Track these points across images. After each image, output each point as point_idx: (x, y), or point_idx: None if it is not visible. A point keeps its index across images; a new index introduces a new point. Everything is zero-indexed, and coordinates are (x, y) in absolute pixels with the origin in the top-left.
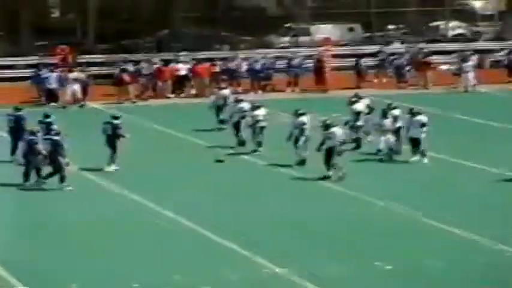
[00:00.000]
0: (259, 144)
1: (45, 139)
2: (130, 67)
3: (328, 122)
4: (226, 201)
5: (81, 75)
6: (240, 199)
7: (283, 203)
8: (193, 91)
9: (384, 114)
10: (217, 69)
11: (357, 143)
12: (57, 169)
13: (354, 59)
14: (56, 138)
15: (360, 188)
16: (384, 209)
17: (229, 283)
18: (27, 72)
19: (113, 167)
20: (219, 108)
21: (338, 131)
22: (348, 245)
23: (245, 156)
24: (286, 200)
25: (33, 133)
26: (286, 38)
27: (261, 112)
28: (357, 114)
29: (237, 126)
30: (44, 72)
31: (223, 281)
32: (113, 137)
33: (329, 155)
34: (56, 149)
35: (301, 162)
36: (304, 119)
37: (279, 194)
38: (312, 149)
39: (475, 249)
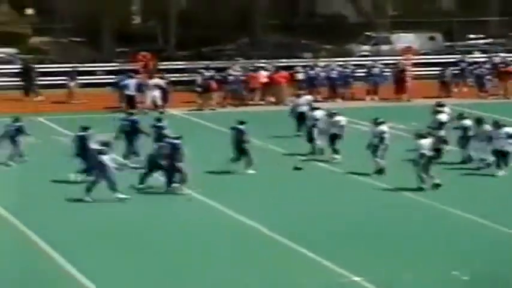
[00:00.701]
0: (336, 151)
1: (166, 143)
2: (216, 74)
3: (420, 132)
4: (304, 210)
5: (161, 81)
6: (318, 207)
7: (361, 212)
8: (272, 99)
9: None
10: (300, 76)
11: (438, 153)
12: (177, 172)
13: (436, 68)
14: (176, 141)
15: (444, 200)
16: (460, 218)
17: None
18: (108, 79)
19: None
20: (299, 116)
21: (425, 142)
22: (425, 255)
23: (322, 164)
24: (365, 209)
25: (178, 137)
26: (367, 47)
27: (339, 119)
28: (441, 124)
29: (309, 134)
30: (124, 79)
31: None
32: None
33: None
34: (175, 152)
35: (380, 171)
36: (383, 127)
37: (357, 203)
38: (390, 158)
39: None
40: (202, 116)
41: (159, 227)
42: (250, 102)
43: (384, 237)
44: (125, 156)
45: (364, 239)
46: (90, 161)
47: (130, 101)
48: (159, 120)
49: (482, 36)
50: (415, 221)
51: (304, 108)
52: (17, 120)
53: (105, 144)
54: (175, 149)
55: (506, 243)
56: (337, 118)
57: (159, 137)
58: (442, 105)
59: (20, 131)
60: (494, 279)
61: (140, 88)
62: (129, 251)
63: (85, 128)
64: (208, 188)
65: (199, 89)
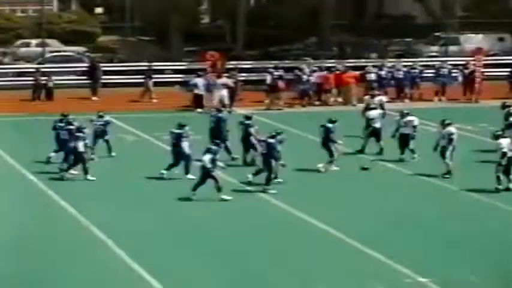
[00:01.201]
0: (413, 151)
1: (260, 141)
2: (285, 74)
3: (497, 133)
4: (370, 210)
5: (229, 81)
6: (383, 208)
7: (429, 214)
8: (339, 99)
9: None
10: (372, 76)
11: None
12: (270, 171)
13: (505, 70)
14: (271, 140)
15: (504, 199)
16: None
17: None
18: (176, 78)
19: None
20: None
21: (505, 141)
22: (491, 257)
23: (390, 165)
24: (432, 211)
25: (273, 136)
26: (435, 47)
27: (411, 119)
28: (510, 126)
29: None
30: (192, 78)
31: None
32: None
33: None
34: (270, 151)
35: (448, 172)
36: (451, 129)
37: (425, 205)
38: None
39: None
40: (269, 115)
41: (234, 227)
42: (317, 103)
43: (451, 239)
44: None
45: (432, 241)
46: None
47: (199, 100)
48: (247, 118)
49: None
50: (483, 223)
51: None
52: (101, 116)
53: (216, 144)
54: (271, 148)
55: None
56: (410, 118)
57: (246, 135)
58: (509, 106)
59: (106, 126)
60: None
61: (208, 87)
62: (201, 251)
63: (182, 126)
64: (283, 189)
65: (267, 88)
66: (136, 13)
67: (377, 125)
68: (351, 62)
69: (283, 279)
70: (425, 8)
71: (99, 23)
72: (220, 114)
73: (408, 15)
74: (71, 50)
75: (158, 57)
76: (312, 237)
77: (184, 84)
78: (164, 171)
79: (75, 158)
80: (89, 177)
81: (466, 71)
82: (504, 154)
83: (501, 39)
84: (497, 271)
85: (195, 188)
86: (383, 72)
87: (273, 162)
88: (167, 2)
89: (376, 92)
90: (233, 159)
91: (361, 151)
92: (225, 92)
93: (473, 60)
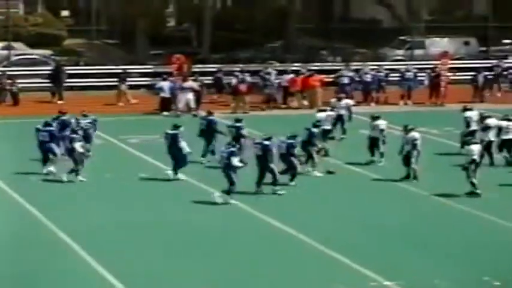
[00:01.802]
0: (382, 155)
1: (256, 143)
2: (247, 77)
3: (467, 139)
4: (336, 214)
5: (194, 84)
6: (349, 212)
7: (395, 217)
8: (305, 102)
9: None
10: (345, 80)
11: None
12: (266, 173)
13: (470, 73)
14: (266, 143)
15: (470, 203)
16: (495, 224)
17: None
18: (142, 81)
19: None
20: (337, 118)
21: (476, 147)
22: (457, 259)
23: (357, 169)
24: (398, 213)
25: (269, 138)
26: (401, 51)
27: (382, 122)
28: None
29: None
30: (158, 81)
31: None
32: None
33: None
34: (265, 153)
35: (415, 177)
36: (415, 134)
37: (390, 208)
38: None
39: None
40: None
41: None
42: (283, 106)
43: (417, 243)
44: (203, 155)
45: (398, 244)
46: (179, 158)
47: (165, 104)
48: (238, 120)
49: None
50: (450, 227)
51: (343, 112)
52: (86, 116)
53: (234, 145)
54: (266, 150)
55: None
56: (377, 122)
57: (237, 137)
58: (470, 109)
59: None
60: None
61: (174, 90)
62: (169, 254)
63: (177, 127)
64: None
65: (228, 92)
66: (102, 16)
67: (326, 126)
68: (317, 66)
69: (249, 283)
70: (392, 12)
71: (65, 26)
72: (210, 117)
73: (374, 19)
74: (37, 53)
75: (124, 61)
76: (277, 241)
77: (150, 87)
78: (170, 172)
79: (75, 159)
80: (80, 178)
81: (432, 75)
82: (474, 161)
83: (467, 43)
84: (463, 275)
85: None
86: (351, 75)
87: (270, 164)
88: (133, 5)
89: (343, 96)
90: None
91: (325, 155)
92: (191, 96)
93: (439, 64)
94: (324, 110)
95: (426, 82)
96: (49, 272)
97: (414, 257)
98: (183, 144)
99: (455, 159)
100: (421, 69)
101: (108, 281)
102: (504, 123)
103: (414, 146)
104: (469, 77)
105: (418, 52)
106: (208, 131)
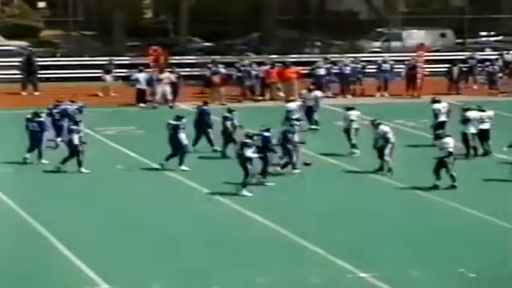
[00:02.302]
0: (354, 146)
1: (256, 134)
2: (222, 69)
3: (439, 133)
4: (312, 206)
5: (171, 76)
6: (325, 203)
7: (370, 208)
8: (281, 94)
9: None
10: (322, 72)
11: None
12: (265, 164)
13: (447, 65)
14: (267, 134)
15: (446, 194)
16: (471, 216)
17: (312, 286)
18: (119, 73)
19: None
20: (307, 110)
21: (450, 140)
22: (432, 251)
23: (332, 160)
24: (374, 205)
25: (268, 129)
26: (378, 43)
27: (354, 113)
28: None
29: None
30: (134, 73)
31: (307, 285)
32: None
33: (440, 164)
34: (265, 144)
35: (389, 170)
36: (384, 128)
37: (366, 199)
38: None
39: None
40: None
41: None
42: (260, 98)
43: (392, 234)
44: (193, 145)
45: (373, 236)
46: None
47: (141, 95)
48: (229, 111)
49: (493, 33)
50: (424, 218)
51: (311, 103)
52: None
53: (250, 136)
54: (266, 142)
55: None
56: (349, 112)
57: (226, 128)
58: (437, 101)
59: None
60: (500, 278)
61: (151, 82)
62: (146, 250)
63: (179, 117)
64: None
65: (203, 84)
66: (79, 7)
67: (295, 115)
68: (294, 58)
69: (224, 274)
70: (368, 4)
71: (42, 17)
72: (204, 107)
73: (352, 11)
74: (14, 44)
75: (101, 52)
76: (252, 232)
77: (126, 79)
78: (163, 162)
79: (70, 151)
80: (83, 169)
81: (408, 67)
82: (450, 153)
83: (443, 35)
84: (439, 266)
85: (244, 184)
86: (322, 68)
87: (269, 155)
88: None
89: (312, 87)
90: (215, 151)
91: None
92: (167, 87)
93: (415, 56)
94: (295, 101)
95: (403, 74)
96: (25, 263)
97: (390, 249)
98: (182, 136)
99: (431, 151)
100: (398, 61)
101: (84, 272)
102: (477, 114)
103: (386, 139)
104: (445, 70)
105: (395, 44)
106: (201, 121)
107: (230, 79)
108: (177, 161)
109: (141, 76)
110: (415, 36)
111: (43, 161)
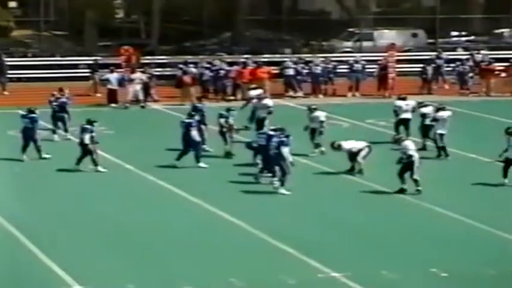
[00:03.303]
0: (318, 145)
1: (261, 133)
2: (193, 69)
3: (398, 137)
4: (280, 204)
5: (143, 76)
6: (295, 203)
7: (338, 207)
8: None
9: None
10: (290, 72)
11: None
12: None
13: (418, 65)
14: (272, 133)
15: (418, 195)
16: (442, 216)
17: (284, 286)
18: (90, 72)
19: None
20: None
21: (411, 144)
22: (403, 251)
23: (305, 161)
24: (344, 205)
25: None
26: (349, 43)
27: (318, 114)
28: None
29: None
30: (105, 73)
31: (279, 285)
32: None
33: (404, 168)
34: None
35: (360, 171)
36: (319, 113)
37: (337, 200)
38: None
39: None
40: (182, 110)
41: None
42: (231, 98)
43: (364, 234)
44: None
45: (344, 236)
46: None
47: (112, 95)
48: (227, 110)
49: (464, 33)
50: (395, 218)
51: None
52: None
53: (281, 129)
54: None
55: (485, 240)
56: (316, 113)
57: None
58: (403, 99)
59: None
60: (472, 277)
61: (122, 82)
62: (112, 245)
63: (192, 115)
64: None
65: (175, 84)
66: (50, 7)
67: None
68: (266, 58)
69: (191, 272)
70: (340, 4)
71: (13, 17)
72: (197, 104)
73: (323, 11)
74: None
75: (72, 52)
76: (222, 231)
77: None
78: (175, 162)
79: (82, 150)
80: (99, 168)
81: (380, 67)
82: (411, 156)
83: (414, 35)
84: (411, 266)
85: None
86: (299, 67)
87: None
88: None
89: (253, 86)
90: (205, 150)
91: None
92: (139, 87)
93: (387, 55)
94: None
95: (375, 74)
96: None
97: (361, 249)
98: (194, 133)
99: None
100: (369, 61)
101: (56, 273)
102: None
103: (321, 122)
104: (418, 69)
105: (366, 44)
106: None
107: (201, 79)
108: (194, 159)
109: (113, 76)
110: (387, 36)
111: (44, 155)
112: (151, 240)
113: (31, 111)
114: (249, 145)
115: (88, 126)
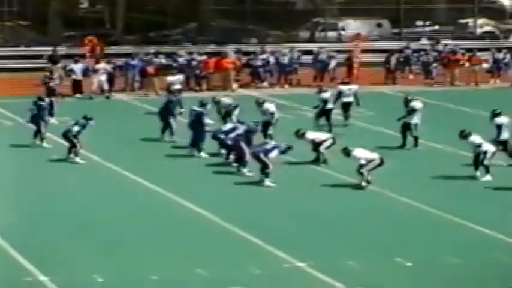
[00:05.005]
0: (271, 137)
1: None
2: (156, 59)
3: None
4: (245, 195)
5: (107, 66)
6: (259, 193)
7: (303, 197)
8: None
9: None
10: (258, 63)
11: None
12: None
13: (383, 55)
14: (252, 126)
15: (383, 185)
16: (407, 206)
17: (250, 276)
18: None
19: None
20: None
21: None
22: (369, 240)
23: None
24: (306, 194)
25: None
26: (314, 33)
27: (270, 106)
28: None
29: None
30: (70, 63)
31: (245, 275)
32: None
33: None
34: (250, 136)
35: (325, 161)
36: (268, 105)
37: (302, 190)
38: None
39: (497, 247)
40: (146, 101)
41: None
42: (197, 88)
43: (327, 224)
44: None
45: (309, 225)
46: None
47: (77, 86)
48: (203, 105)
49: (429, 23)
50: (360, 208)
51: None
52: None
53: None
54: (251, 133)
55: (449, 230)
56: (266, 106)
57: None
58: (325, 91)
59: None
60: (437, 266)
61: (86, 73)
62: (81, 237)
63: (203, 104)
64: (147, 172)
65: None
66: None
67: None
68: (231, 48)
69: (158, 263)
70: None
71: None
72: (170, 97)
73: (288, 1)
74: None
75: (36, 42)
76: (188, 221)
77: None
78: (191, 150)
79: (68, 141)
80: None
81: (345, 57)
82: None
83: (379, 25)
84: (376, 256)
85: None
86: (258, 58)
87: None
88: None
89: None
90: (173, 142)
91: None
92: (103, 78)
93: (351, 45)
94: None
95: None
96: None
97: (327, 239)
98: (207, 121)
99: (364, 140)
100: (335, 51)
101: (20, 264)
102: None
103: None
104: (382, 59)
105: (331, 34)
106: (166, 109)
107: (167, 69)
108: (197, 149)
109: (77, 67)
110: (351, 26)
111: (44, 144)
112: (118, 232)
113: (40, 99)
114: (214, 136)
115: (82, 121)
